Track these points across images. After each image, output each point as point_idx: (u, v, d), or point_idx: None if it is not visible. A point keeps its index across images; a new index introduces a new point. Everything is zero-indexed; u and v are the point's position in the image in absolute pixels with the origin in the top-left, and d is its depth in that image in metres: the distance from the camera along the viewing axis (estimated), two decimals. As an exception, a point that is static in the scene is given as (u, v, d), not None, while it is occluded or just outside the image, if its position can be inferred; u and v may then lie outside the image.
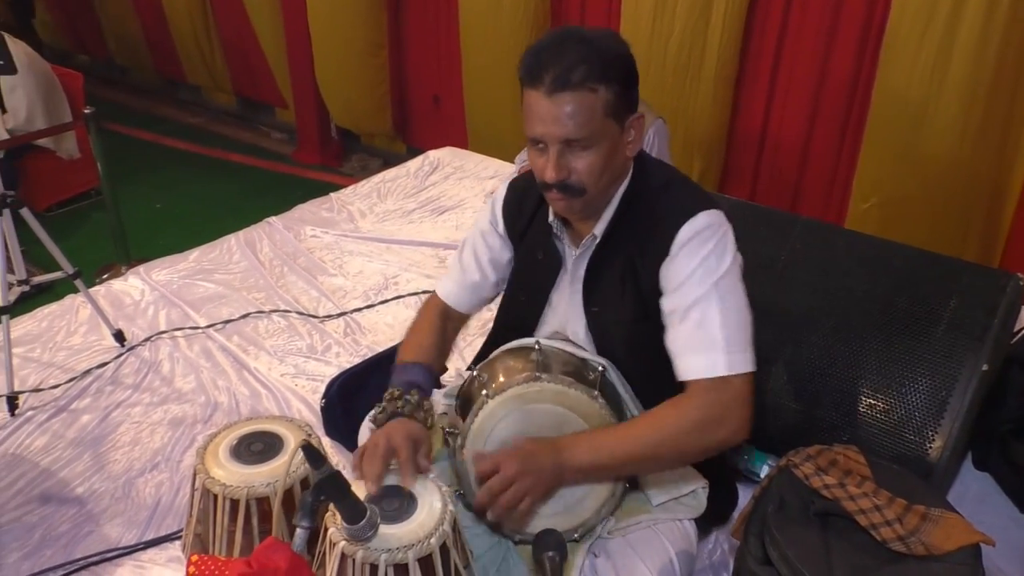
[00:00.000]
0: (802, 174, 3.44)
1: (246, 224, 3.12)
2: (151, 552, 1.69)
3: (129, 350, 2.36)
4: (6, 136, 3.83)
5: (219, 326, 2.49)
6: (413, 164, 3.64)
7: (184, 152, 5.43)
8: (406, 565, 1.16)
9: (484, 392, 1.38)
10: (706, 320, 1.32)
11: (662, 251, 1.37)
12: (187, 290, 2.68)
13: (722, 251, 1.35)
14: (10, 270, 2.37)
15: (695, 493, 1.48)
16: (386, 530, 1.18)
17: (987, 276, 1.84)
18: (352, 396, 1.95)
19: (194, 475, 1.41)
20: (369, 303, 2.63)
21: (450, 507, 1.25)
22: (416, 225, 3.16)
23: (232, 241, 2.99)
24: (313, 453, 1.12)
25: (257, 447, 1.44)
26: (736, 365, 1.31)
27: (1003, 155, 2.80)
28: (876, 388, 1.76)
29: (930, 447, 1.68)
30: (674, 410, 1.32)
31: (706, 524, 1.57)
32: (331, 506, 1.18)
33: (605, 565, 1.39)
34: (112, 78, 6.77)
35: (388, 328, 2.50)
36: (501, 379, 1.42)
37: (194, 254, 2.91)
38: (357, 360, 2.26)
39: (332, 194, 3.40)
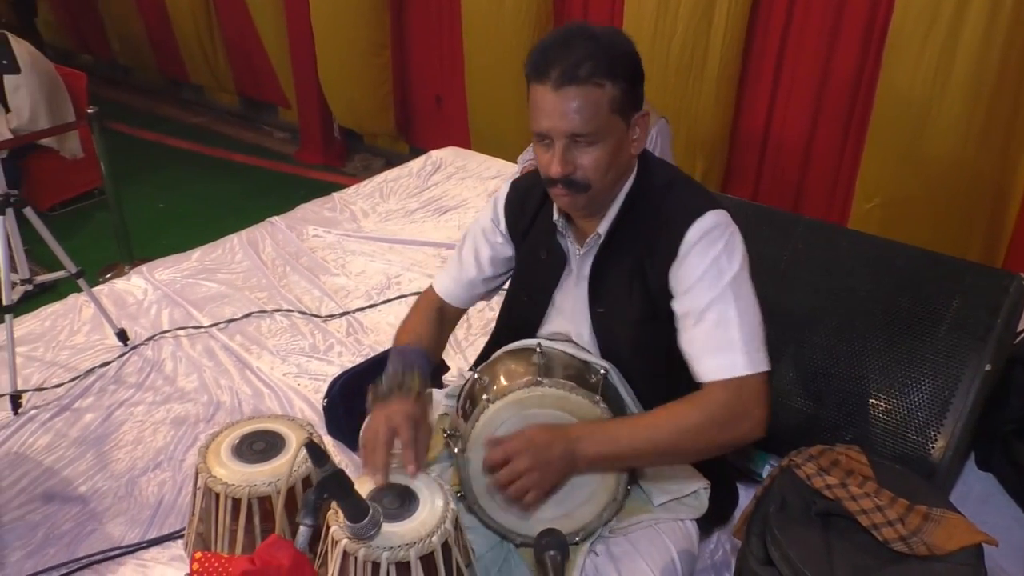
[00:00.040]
0: (805, 174, 3.44)
1: (249, 224, 3.13)
2: (154, 551, 1.69)
3: (132, 349, 2.36)
4: (10, 136, 3.85)
5: (222, 325, 2.49)
6: (415, 164, 3.64)
7: (187, 152, 5.44)
8: (408, 563, 1.16)
9: (485, 396, 1.38)
10: (724, 321, 1.32)
11: (671, 252, 1.37)
12: (190, 289, 2.68)
13: (732, 250, 1.36)
14: (13, 269, 2.38)
15: (697, 494, 1.48)
16: (388, 528, 1.19)
17: (990, 276, 1.84)
18: (354, 395, 1.94)
19: (196, 474, 1.41)
20: (371, 303, 2.64)
21: (452, 505, 1.25)
22: (418, 225, 3.16)
23: (235, 241, 2.99)
24: (317, 451, 1.12)
25: (259, 446, 1.44)
26: (755, 364, 1.32)
27: (1006, 155, 2.79)
28: (879, 388, 1.76)
29: (933, 447, 1.68)
30: (692, 407, 1.33)
31: (707, 524, 1.56)
32: (334, 504, 1.18)
33: (607, 564, 1.39)
34: (115, 78, 6.79)
35: (390, 328, 2.50)
36: (502, 382, 1.42)
37: (197, 253, 2.91)
38: (359, 359, 2.26)
39: (335, 194, 3.40)
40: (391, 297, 2.66)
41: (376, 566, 1.16)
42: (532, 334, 1.58)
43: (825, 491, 1.36)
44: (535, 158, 1.42)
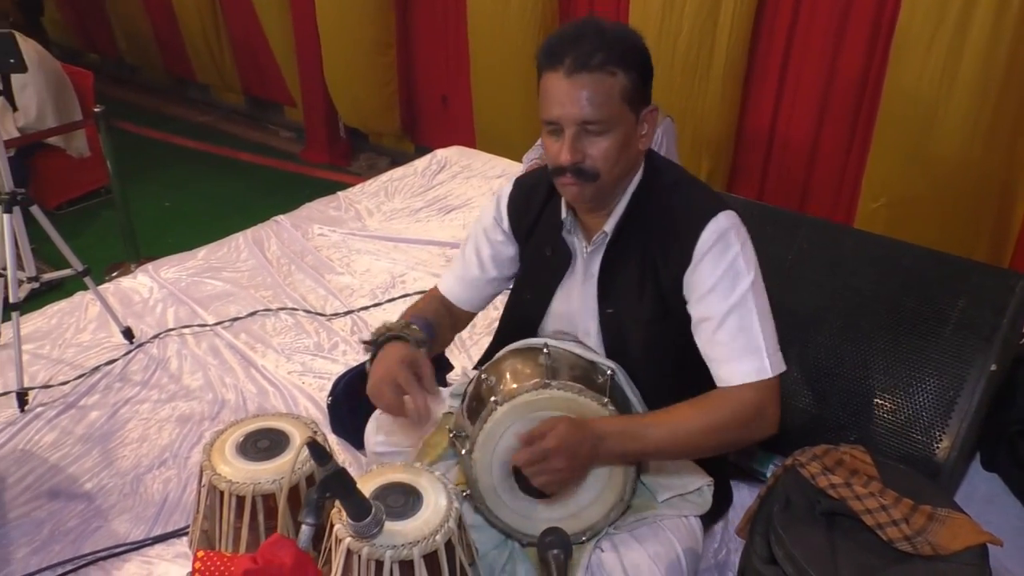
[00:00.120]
0: (811, 174, 3.43)
1: (254, 222, 3.13)
2: (158, 548, 1.70)
3: (137, 347, 2.37)
4: (17, 134, 3.86)
5: (227, 324, 2.50)
6: (420, 163, 3.65)
7: (193, 151, 5.46)
8: (411, 562, 1.16)
9: (493, 398, 1.37)
10: (746, 326, 1.33)
11: (684, 256, 1.37)
12: (195, 288, 2.69)
13: (747, 253, 1.37)
14: (20, 267, 2.39)
15: (700, 490, 1.48)
16: (391, 527, 1.19)
17: (996, 276, 1.83)
18: (359, 394, 1.93)
19: (201, 472, 1.41)
20: (376, 301, 2.64)
21: (456, 504, 1.25)
22: (423, 224, 3.16)
23: (240, 239, 3.00)
24: (319, 450, 1.12)
25: (263, 444, 1.44)
26: (776, 366, 1.34)
27: (1013, 155, 2.78)
28: (884, 388, 1.75)
29: (937, 447, 1.67)
30: (716, 406, 1.34)
31: (702, 520, 1.56)
32: (337, 503, 1.18)
33: (612, 560, 1.38)
34: (122, 77, 6.81)
35: (395, 326, 2.50)
36: (509, 382, 1.42)
37: (202, 252, 2.92)
38: (364, 358, 2.26)
39: (340, 193, 3.41)
40: (396, 296, 2.66)
41: (380, 564, 1.16)
42: (535, 331, 1.58)
43: (829, 490, 1.36)
44: (540, 157, 1.42)
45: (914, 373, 1.73)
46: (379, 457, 1.65)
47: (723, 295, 1.34)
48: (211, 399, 2.17)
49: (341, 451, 1.93)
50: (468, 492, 1.41)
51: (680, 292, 1.40)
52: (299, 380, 2.24)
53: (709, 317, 1.36)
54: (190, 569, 1.07)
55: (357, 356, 2.34)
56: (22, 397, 2.09)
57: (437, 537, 1.19)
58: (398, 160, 4.60)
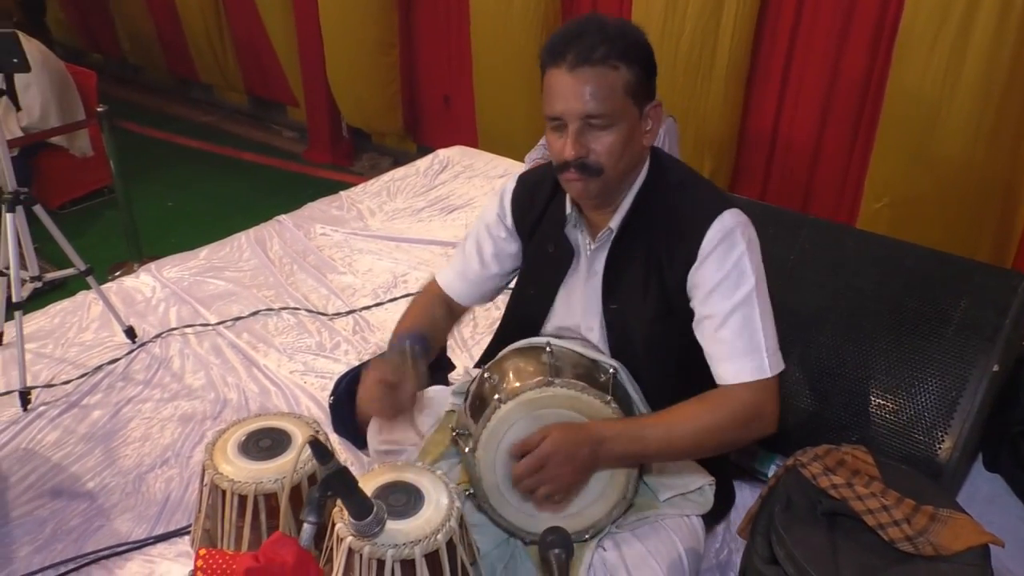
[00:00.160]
0: (813, 174, 3.43)
1: (257, 222, 3.14)
2: (160, 547, 1.70)
3: (140, 346, 2.38)
4: (20, 134, 3.87)
5: (229, 323, 2.50)
6: (423, 163, 3.65)
7: (196, 150, 5.46)
8: (413, 561, 1.16)
9: (496, 396, 1.37)
10: (748, 325, 1.34)
11: (690, 253, 1.37)
12: (198, 287, 2.69)
13: (752, 252, 1.37)
14: (23, 267, 2.39)
15: (702, 490, 1.48)
16: (393, 526, 1.19)
17: (999, 276, 1.83)
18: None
19: (203, 471, 1.41)
20: (378, 301, 2.64)
21: (457, 503, 1.25)
22: (425, 224, 3.17)
23: (242, 239, 3.00)
24: (321, 449, 1.12)
25: (265, 443, 1.44)
26: (775, 366, 1.34)
27: (1017, 156, 2.78)
28: (886, 388, 1.75)
29: (939, 448, 1.67)
30: (715, 406, 1.34)
31: (704, 521, 1.56)
32: (338, 502, 1.18)
33: (614, 558, 1.39)
34: (125, 77, 6.82)
35: (397, 326, 2.51)
36: (512, 380, 1.42)
37: (205, 252, 2.92)
38: (366, 358, 2.26)
39: (342, 192, 3.41)
40: (398, 296, 2.66)
41: (381, 564, 1.16)
42: (538, 329, 1.58)
43: (831, 491, 1.36)
44: (543, 156, 1.42)
45: (916, 373, 1.73)
46: (381, 456, 1.65)
47: (727, 294, 1.34)
48: (213, 398, 2.18)
49: (343, 450, 1.93)
50: (471, 491, 1.41)
51: (684, 290, 1.40)
52: (301, 379, 2.25)
53: (712, 315, 1.36)
54: (192, 568, 1.07)
55: (359, 356, 2.34)
56: (25, 396, 2.10)
57: (439, 536, 1.19)
58: (400, 160, 4.60)
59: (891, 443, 1.72)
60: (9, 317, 2.33)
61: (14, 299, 2.25)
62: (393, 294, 2.68)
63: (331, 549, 1.22)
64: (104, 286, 2.58)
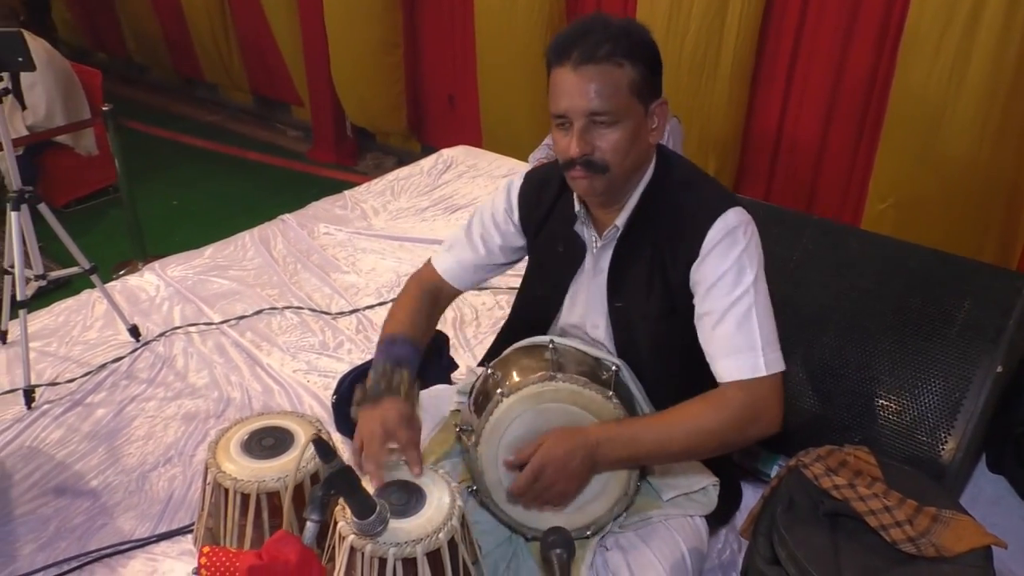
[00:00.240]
0: (818, 174, 3.42)
1: (261, 221, 3.14)
2: (163, 545, 1.70)
3: (144, 345, 2.38)
4: (26, 132, 3.88)
5: (233, 322, 2.50)
6: (427, 162, 3.65)
7: (201, 150, 5.48)
8: (414, 559, 1.17)
9: (499, 391, 1.38)
10: (745, 322, 1.33)
11: (692, 250, 1.37)
12: (202, 286, 2.70)
13: (753, 251, 1.37)
14: (28, 265, 2.40)
15: (705, 490, 1.48)
16: (395, 524, 1.19)
17: (1002, 277, 1.83)
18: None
19: (206, 469, 1.42)
20: (381, 300, 2.64)
21: (459, 502, 1.25)
22: (429, 223, 3.17)
23: (247, 238, 3.01)
24: (324, 447, 1.12)
25: (268, 442, 1.45)
26: (772, 365, 1.33)
27: (1022, 156, 2.77)
28: (889, 389, 1.75)
29: (943, 449, 1.67)
30: (711, 407, 1.33)
31: (710, 522, 1.56)
32: (341, 500, 1.19)
33: (617, 558, 1.39)
34: (130, 76, 6.84)
35: (400, 325, 2.51)
36: (516, 377, 1.43)
37: (209, 250, 2.93)
38: (369, 357, 2.25)
39: (346, 192, 3.41)
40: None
41: (383, 562, 1.16)
42: (547, 327, 1.59)
43: (833, 491, 1.36)
44: (547, 156, 1.42)
45: (919, 374, 1.73)
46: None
47: (726, 291, 1.34)
48: (216, 397, 2.18)
49: (345, 450, 1.92)
50: (474, 487, 1.41)
51: (687, 288, 1.40)
52: (304, 378, 2.25)
53: (710, 311, 1.36)
54: (195, 566, 1.07)
55: (362, 355, 2.34)
56: (29, 394, 2.10)
57: (440, 535, 1.19)
58: (404, 159, 4.61)
59: (894, 444, 1.71)
60: (14, 315, 2.34)
61: (19, 297, 2.26)
62: (396, 293, 2.66)
63: (333, 547, 1.23)
64: (108, 285, 2.58)
